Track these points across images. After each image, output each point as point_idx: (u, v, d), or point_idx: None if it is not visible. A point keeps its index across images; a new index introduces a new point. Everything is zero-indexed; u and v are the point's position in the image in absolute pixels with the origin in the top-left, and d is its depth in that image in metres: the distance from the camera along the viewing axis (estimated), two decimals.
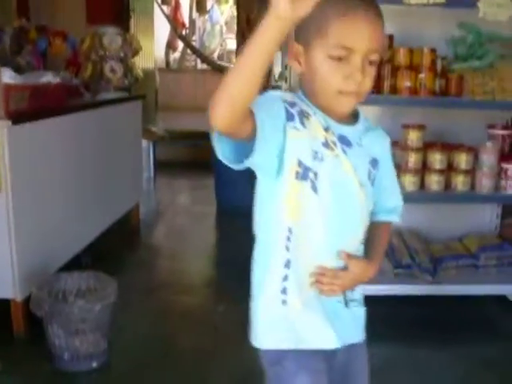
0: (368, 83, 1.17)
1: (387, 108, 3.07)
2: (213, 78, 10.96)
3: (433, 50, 2.91)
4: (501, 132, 3.12)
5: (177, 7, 10.85)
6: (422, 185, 2.91)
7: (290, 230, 1.21)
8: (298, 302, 1.25)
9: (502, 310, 3.09)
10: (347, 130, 1.22)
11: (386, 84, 2.88)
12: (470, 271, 3.12)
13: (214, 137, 1.10)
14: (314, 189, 1.17)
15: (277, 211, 1.21)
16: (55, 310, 2.35)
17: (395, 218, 1.39)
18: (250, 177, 3.68)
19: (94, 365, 2.46)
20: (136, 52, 4.12)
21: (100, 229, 3.65)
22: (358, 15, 1.11)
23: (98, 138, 3.56)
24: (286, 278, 1.24)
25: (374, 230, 1.33)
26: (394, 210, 1.39)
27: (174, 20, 10.29)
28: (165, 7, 10.00)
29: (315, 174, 1.17)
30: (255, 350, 1.34)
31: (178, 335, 2.83)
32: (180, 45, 11.49)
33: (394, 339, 2.72)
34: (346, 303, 1.30)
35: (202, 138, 6.94)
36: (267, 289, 1.27)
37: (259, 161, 1.11)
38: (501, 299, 3.13)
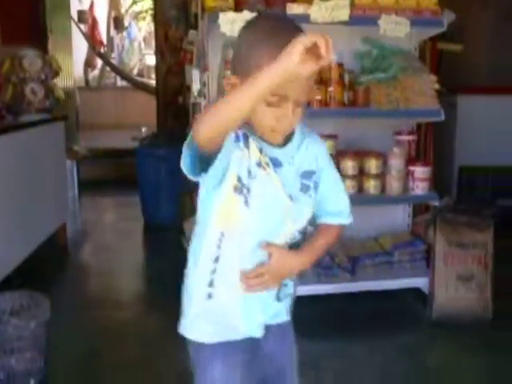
0: (296, 121, 1.31)
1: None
2: (133, 95, 11.00)
3: (340, 65, 3.14)
4: (406, 138, 3.39)
5: (94, 25, 10.83)
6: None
7: (222, 234, 1.36)
8: (224, 295, 1.39)
9: (417, 301, 3.33)
10: (278, 152, 1.36)
11: None
12: (386, 267, 3.36)
13: (185, 148, 1.23)
14: (246, 203, 1.32)
15: (211, 216, 1.36)
16: None
17: (340, 221, 1.51)
18: (172, 195, 3.84)
19: (32, 383, 2.51)
20: (56, 73, 4.17)
21: (28, 250, 3.67)
22: None
23: (21, 160, 3.58)
24: (214, 272, 1.38)
25: (315, 230, 1.48)
26: (337, 213, 1.50)
27: (91, 38, 10.27)
28: (82, 25, 9.98)
29: (248, 190, 1.32)
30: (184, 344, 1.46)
31: (112, 349, 2.91)
32: (99, 63, 11.47)
33: (321, 335, 2.90)
34: (279, 298, 1.44)
35: (124, 156, 7.03)
36: (196, 280, 1.41)
37: (211, 174, 1.26)
38: (415, 291, 3.37)
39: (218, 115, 1.13)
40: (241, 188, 1.32)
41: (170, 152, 5.01)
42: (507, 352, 2.84)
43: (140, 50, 13.11)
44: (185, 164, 1.25)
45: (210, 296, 1.40)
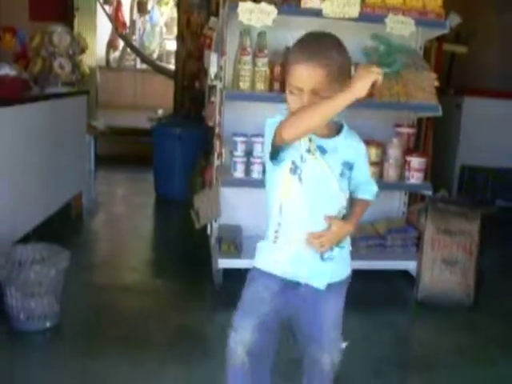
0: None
1: None
2: (151, 77, 11.26)
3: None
4: (406, 130, 3.62)
5: (118, 7, 11.08)
6: None
7: (281, 205, 1.80)
8: (282, 245, 1.83)
9: (406, 283, 3.58)
10: (323, 142, 1.77)
11: None
12: (379, 250, 3.61)
13: (272, 145, 1.73)
14: (300, 180, 1.75)
15: (274, 190, 1.81)
16: (13, 275, 2.66)
17: (368, 196, 1.94)
18: (185, 172, 4.19)
19: (48, 324, 2.78)
20: (83, 50, 4.43)
21: (47, 213, 3.95)
22: (301, 66, 1.65)
23: (46, 128, 3.84)
24: (278, 229, 1.83)
25: (353, 204, 1.90)
26: (367, 191, 1.93)
27: (115, 20, 10.51)
28: (107, 7, 10.22)
29: (301, 171, 1.75)
30: None
31: (120, 302, 3.20)
32: (120, 44, 11.72)
33: None
34: (323, 259, 1.82)
35: (141, 135, 7.29)
36: (269, 228, 1.85)
37: (282, 160, 1.75)
38: (405, 274, 3.62)
39: (303, 123, 1.62)
40: (295, 169, 1.75)
41: (184, 132, 5.29)
42: (482, 332, 3.10)
43: (161, 34, 13.33)
44: (268, 153, 1.76)
45: (274, 241, 1.84)
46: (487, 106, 5.76)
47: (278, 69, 3.29)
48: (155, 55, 12.90)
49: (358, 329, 2.92)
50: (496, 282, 3.76)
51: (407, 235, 3.64)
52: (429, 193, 3.52)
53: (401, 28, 3.23)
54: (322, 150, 1.77)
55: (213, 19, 3.80)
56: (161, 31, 13.47)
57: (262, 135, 3.20)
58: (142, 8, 11.87)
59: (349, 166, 1.83)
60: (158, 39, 13.15)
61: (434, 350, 2.86)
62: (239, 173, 3.34)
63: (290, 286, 1.86)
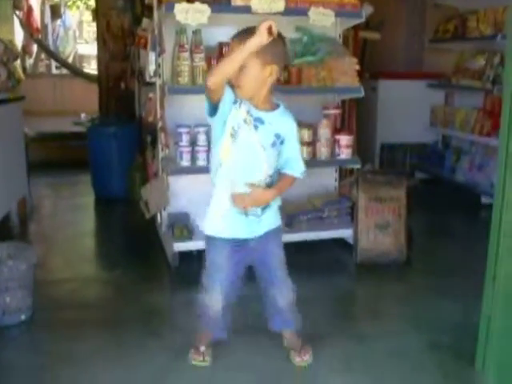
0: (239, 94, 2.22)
1: None
2: (70, 82, 11.18)
3: None
4: (333, 111, 3.98)
5: (30, 12, 10.93)
6: None
7: (220, 164, 2.24)
8: (220, 206, 2.29)
9: (343, 250, 3.95)
10: (262, 114, 2.22)
11: None
12: (318, 222, 3.95)
13: (205, 98, 2.15)
14: (234, 142, 2.19)
15: (217, 151, 2.25)
16: None
17: (295, 174, 2.34)
18: (122, 169, 4.48)
19: (23, 317, 2.94)
20: (16, 57, 4.53)
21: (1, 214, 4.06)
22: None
23: None
24: (215, 186, 2.32)
25: (279, 178, 2.32)
26: (294, 168, 2.33)
27: (28, 25, 10.39)
28: (17, 12, 10.08)
29: (237, 135, 2.18)
30: None
31: (85, 291, 3.40)
32: (34, 50, 11.57)
33: None
34: (247, 215, 2.29)
35: (70, 139, 7.34)
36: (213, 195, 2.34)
37: (217, 118, 2.17)
38: (341, 243, 3.99)
39: (222, 69, 2.07)
40: (233, 134, 2.19)
41: (119, 130, 5.45)
42: (416, 283, 3.51)
43: (75, 38, 13.25)
44: (205, 109, 2.18)
45: (212, 203, 2.34)
46: (399, 88, 6.24)
47: (214, 63, 3.55)
48: (70, 59, 12.82)
49: (307, 291, 3.21)
50: (424, 241, 4.19)
51: (341, 206, 4.00)
52: (358, 166, 3.89)
53: (322, 19, 3.56)
54: (260, 121, 2.21)
55: (145, 20, 4.01)
56: (74, 35, 13.40)
57: (203, 125, 3.51)
58: (55, 12, 11.76)
59: (280, 139, 2.26)
60: (72, 43, 13.07)
61: (377, 301, 3.24)
62: (185, 161, 3.58)
63: (237, 243, 2.34)
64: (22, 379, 2.45)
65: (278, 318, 2.52)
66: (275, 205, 2.39)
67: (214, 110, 2.17)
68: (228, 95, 2.15)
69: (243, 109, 2.19)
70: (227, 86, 2.14)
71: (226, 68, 2.06)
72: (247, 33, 2.08)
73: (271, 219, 2.39)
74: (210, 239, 2.39)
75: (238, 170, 2.24)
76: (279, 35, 2.15)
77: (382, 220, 3.67)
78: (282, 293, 2.46)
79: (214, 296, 2.39)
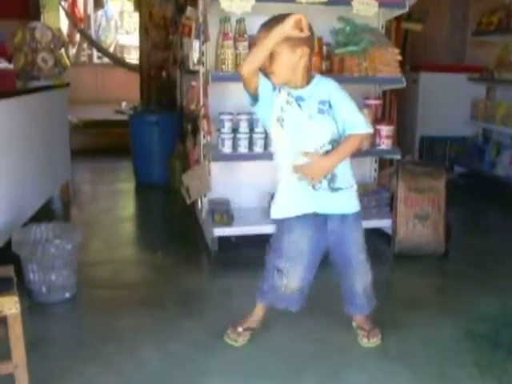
0: (275, 79, 2.28)
1: None
2: (111, 71, 11.36)
3: (320, 39, 3.70)
4: (374, 102, 3.98)
5: (74, 2, 11.14)
6: None
7: (276, 146, 2.41)
8: (284, 186, 2.37)
9: (381, 240, 3.96)
10: (300, 92, 2.27)
11: None
12: None
13: (244, 89, 2.26)
14: (282, 127, 2.28)
15: (273, 140, 2.42)
16: (34, 250, 2.91)
17: (356, 130, 2.29)
18: (163, 157, 4.60)
19: (67, 295, 3.05)
20: (63, 44, 4.64)
21: (41, 200, 4.18)
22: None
23: (32, 121, 4.01)
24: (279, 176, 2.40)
25: (342, 140, 2.30)
26: (354, 126, 2.29)
27: (72, 15, 10.59)
28: (62, 2, 10.29)
29: (283, 120, 2.27)
30: None
31: (127, 273, 3.49)
32: (78, 40, 11.78)
33: None
34: (332, 189, 2.33)
35: (112, 127, 7.48)
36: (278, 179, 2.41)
37: (261, 107, 2.28)
38: (379, 233, 4.00)
39: (253, 58, 2.16)
40: (279, 119, 2.27)
41: (161, 118, 5.55)
42: (454, 275, 3.51)
43: (116, 28, 13.43)
44: (248, 100, 2.30)
45: (280, 186, 2.40)
46: (441, 80, 6.19)
47: None
48: (112, 49, 13.00)
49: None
50: (462, 234, 4.18)
51: (380, 196, 4.01)
52: (398, 157, 3.89)
53: (365, 9, 3.57)
54: (301, 99, 2.26)
55: (190, 9, 4.06)
56: (115, 25, 13.57)
57: (245, 113, 3.56)
58: (97, 2, 11.95)
59: (326, 104, 2.27)
60: (113, 33, 13.24)
61: (416, 291, 3.25)
62: (227, 148, 3.63)
63: (312, 223, 2.36)
64: (65, 353, 2.53)
65: (355, 302, 2.60)
66: (349, 187, 2.40)
67: (254, 99, 2.27)
68: (265, 84, 2.24)
69: (283, 93, 2.27)
70: (262, 75, 2.22)
71: (258, 56, 2.12)
72: (275, 21, 2.14)
73: (346, 200, 2.40)
74: (280, 223, 2.43)
75: (293, 144, 2.29)
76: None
77: (421, 211, 3.67)
78: (360, 277, 2.53)
79: (292, 279, 2.43)
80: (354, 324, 2.68)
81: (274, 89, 2.26)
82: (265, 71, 2.24)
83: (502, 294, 3.10)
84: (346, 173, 2.39)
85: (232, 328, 2.60)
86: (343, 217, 2.39)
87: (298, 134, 2.27)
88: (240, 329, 2.60)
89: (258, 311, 2.63)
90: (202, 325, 2.77)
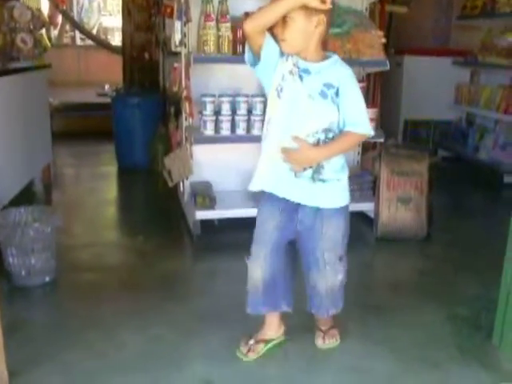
0: (285, 48, 2.05)
1: None
2: (94, 53, 11.22)
3: None
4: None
5: None
6: None
7: (269, 119, 2.12)
8: (266, 158, 2.14)
9: (363, 223, 3.97)
10: (309, 65, 2.04)
11: None
12: None
13: (246, 49, 2.08)
14: (278, 96, 2.06)
15: (268, 106, 2.13)
16: (14, 233, 2.86)
17: (356, 129, 2.08)
18: (145, 140, 4.54)
19: (47, 279, 3.01)
20: (43, 25, 4.55)
21: (23, 182, 4.14)
22: None
23: (12, 102, 3.97)
24: (264, 142, 2.15)
25: (338, 135, 2.08)
26: (354, 123, 2.07)
27: None
28: None
29: (281, 88, 2.05)
30: None
31: (108, 256, 3.47)
32: (60, 21, 11.59)
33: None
34: (314, 179, 2.11)
35: (94, 109, 7.39)
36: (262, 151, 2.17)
37: (261, 69, 2.07)
38: (362, 215, 4.00)
39: (261, 16, 1.97)
40: (278, 88, 2.05)
41: (143, 100, 5.48)
42: (436, 257, 3.53)
43: (99, 10, 13.24)
44: (247, 59, 2.10)
45: (263, 154, 2.15)
46: (425, 64, 6.18)
47: (240, 32, 3.55)
48: (95, 31, 12.83)
49: None
50: (445, 218, 4.20)
51: (363, 180, 3.99)
52: (381, 140, 3.88)
53: None
54: (306, 72, 2.04)
55: None
56: (98, 7, 13.39)
57: (227, 95, 3.52)
58: None
59: (333, 89, 2.03)
60: (96, 15, 13.07)
61: (397, 274, 3.26)
62: (209, 130, 3.60)
63: (285, 206, 2.17)
64: (44, 337, 2.50)
65: (314, 301, 2.36)
66: (336, 180, 2.15)
67: (254, 60, 2.07)
68: (273, 47, 2.03)
69: (290, 61, 2.04)
70: (271, 37, 2.03)
71: (267, 16, 1.94)
72: None
73: (327, 194, 2.15)
74: (258, 195, 2.24)
75: (285, 122, 2.07)
76: None
77: (403, 194, 3.67)
78: (325, 278, 2.27)
79: (256, 264, 2.24)
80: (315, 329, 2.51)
81: (282, 55, 2.05)
82: (275, 37, 2.04)
83: (483, 277, 3.11)
84: (336, 165, 2.14)
85: (245, 338, 2.41)
86: (318, 209, 2.16)
87: (294, 110, 2.05)
88: (251, 341, 2.40)
89: (269, 320, 2.44)
90: (184, 308, 2.75)
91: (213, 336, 2.51)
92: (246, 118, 3.59)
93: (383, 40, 3.74)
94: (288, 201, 2.16)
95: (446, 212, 4.40)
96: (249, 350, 2.36)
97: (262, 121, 3.59)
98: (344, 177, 2.19)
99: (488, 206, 4.74)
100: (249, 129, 3.63)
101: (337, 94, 2.04)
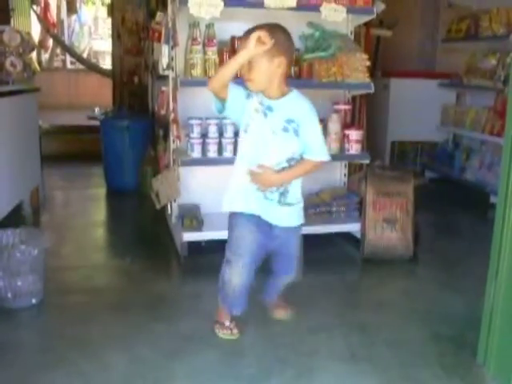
0: (251, 87, 2.37)
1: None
2: (85, 77, 11.31)
3: None
4: (343, 107, 4.01)
5: (46, 7, 11.05)
6: None
7: (239, 152, 2.48)
8: (242, 182, 2.43)
9: (350, 243, 4.01)
10: (272, 103, 2.34)
11: None
12: (326, 216, 3.99)
13: (212, 98, 2.35)
14: (245, 132, 2.39)
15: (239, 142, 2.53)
16: (0, 255, 2.87)
17: (312, 157, 2.40)
18: (134, 163, 4.55)
19: (34, 301, 3.01)
20: (32, 48, 4.60)
21: (10, 205, 4.13)
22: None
23: (6, 124, 4.01)
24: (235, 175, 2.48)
25: (297, 162, 2.39)
26: (311, 152, 2.38)
27: (44, 20, 10.50)
28: (34, 7, 10.20)
29: (248, 125, 2.37)
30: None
31: (96, 278, 3.46)
32: (50, 45, 11.70)
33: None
34: (280, 202, 2.45)
35: (83, 132, 7.43)
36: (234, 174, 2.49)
37: (229, 114, 2.39)
38: (348, 236, 4.04)
39: (221, 75, 2.27)
40: (246, 125, 2.37)
41: (132, 123, 5.52)
42: (421, 278, 3.57)
43: (90, 33, 13.37)
44: (215, 109, 2.38)
45: (235, 183, 2.48)
46: (411, 86, 6.27)
47: (226, 56, 3.60)
48: (85, 55, 12.93)
49: (313, 283, 3.29)
50: (431, 238, 4.25)
51: (350, 201, 4.04)
52: (367, 161, 3.92)
53: (334, 15, 3.60)
54: (270, 109, 2.33)
55: (159, 14, 4.06)
56: (89, 31, 13.52)
57: (214, 118, 3.57)
58: (71, 7, 11.88)
59: (294, 124, 2.33)
60: (87, 38, 13.18)
61: (383, 293, 3.28)
62: (196, 153, 3.63)
63: (261, 225, 2.45)
64: (28, 360, 2.49)
65: (278, 291, 2.80)
66: (297, 203, 2.51)
67: (221, 108, 2.36)
68: (237, 93, 2.33)
69: (255, 100, 2.35)
70: (233, 85, 2.33)
71: (225, 73, 2.25)
72: (249, 33, 2.23)
73: (294, 215, 2.52)
74: (231, 216, 2.50)
75: (253, 153, 2.38)
76: (279, 26, 2.31)
77: (389, 215, 3.71)
78: (289, 279, 2.71)
79: (236, 271, 2.47)
80: (274, 315, 2.84)
81: (248, 96, 2.36)
82: (242, 78, 2.35)
83: (468, 296, 3.14)
84: (297, 189, 2.50)
85: (219, 324, 2.70)
86: (288, 227, 2.53)
87: (259, 143, 2.36)
88: (227, 322, 2.69)
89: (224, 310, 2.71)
90: (170, 329, 2.76)
91: (197, 356, 2.51)
92: (232, 140, 3.63)
93: (368, 63, 3.81)
94: (261, 219, 2.45)
95: (432, 232, 4.45)
96: (232, 329, 2.67)
97: None
98: (302, 200, 2.56)
99: (474, 227, 4.77)
100: (236, 151, 3.65)
101: (297, 126, 2.34)
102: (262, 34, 2.18)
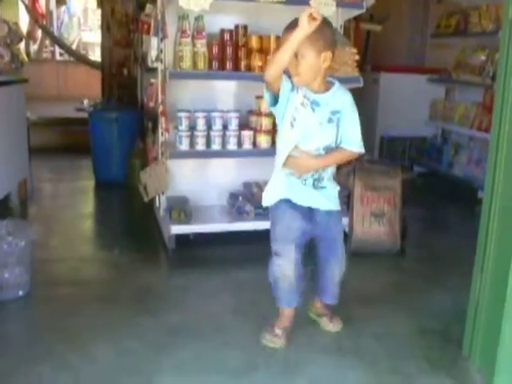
0: (298, 81, 2.36)
1: (244, 82, 3.86)
2: (74, 68, 11.23)
3: (278, 37, 3.69)
4: None
5: None
6: (274, 142, 3.71)
7: (280, 140, 2.48)
8: (280, 174, 2.50)
9: None
10: (317, 97, 2.37)
11: (243, 63, 3.66)
12: None
13: (265, 90, 2.37)
14: (291, 126, 2.38)
15: (281, 133, 2.46)
16: None
17: (348, 146, 2.45)
18: (122, 155, 4.55)
19: (21, 293, 3.00)
20: (20, 39, 4.56)
21: (2, 194, 4.11)
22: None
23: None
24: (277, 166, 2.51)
25: (334, 149, 2.45)
26: (349, 142, 2.44)
27: (33, 11, 10.41)
28: None
29: (294, 119, 2.37)
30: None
31: (83, 270, 3.46)
32: (39, 36, 11.60)
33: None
34: (315, 187, 2.50)
35: (72, 124, 7.39)
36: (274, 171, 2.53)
37: (279, 108, 2.36)
38: None
39: (277, 61, 2.21)
40: (292, 122, 2.37)
41: (121, 115, 5.49)
42: (409, 271, 3.58)
43: (79, 25, 13.27)
44: (268, 101, 2.39)
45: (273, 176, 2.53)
46: (400, 81, 6.28)
47: (215, 49, 3.60)
48: (74, 46, 12.83)
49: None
50: (419, 233, 4.27)
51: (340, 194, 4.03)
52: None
53: (323, 9, 3.59)
54: (316, 104, 2.38)
55: (149, 6, 4.03)
56: (78, 22, 13.41)
57: (203, 110, 3.55)
58: None
59: (338, 114, 2.40)
60: (76, 30, 13.08)
61: (370, 287, 3.30)
62: (184, 146, 3.63)
63: (304, 212, 2.51)
64: (15, 352, 2.49)
65: (330, 291, 2.75)
66: (333, 187, 2.58)
67: (275, 100, 2.36)
68: (286, 85, 2.33)
69: (300, 93, 2.36)
70: (284, 75, 2.31)
71: (279, 60, 2.21)
72: (295, 24, 2.20)
73: (330, 198, 2.57)
74: (273, 209, 2.54)
75: (296, 144, 2.42)
76: (325, 20, 2.29)
77: (377, 209, 3.72)
78: (339, 269, 2.70)
79: (288, 261, 2.49)
80: (312, 314, 2.82)
81: (293, 89, 2.36)
82: (287, 72, 2.34)
83: (455, 290, 3.16)
84: (330, 175, 2.56)
85: (270, 328, 2.63)
86: (329, 212, 2.56)
87: (305, 135, 2.40)
88: (278, 331, 2.62)
89: (289, 313, 2.65)
90: (157, 322, 2.76)
91: (183, 349, 2.52)
92: (221, 133, 3.63)
93: (357, 57, 3.81)
94: (302, 207, 2.50)
95: (420, 227, 4.47)
96: (279, 337, 2.59)
97: (237, 136, 3.70)
98: (336, 187, 2.62)
99: (462, 221, 4.81)
100: (224, 144, 3.67)
101: (340, 116, 2.41)
102: (312, 10, 2.16)
